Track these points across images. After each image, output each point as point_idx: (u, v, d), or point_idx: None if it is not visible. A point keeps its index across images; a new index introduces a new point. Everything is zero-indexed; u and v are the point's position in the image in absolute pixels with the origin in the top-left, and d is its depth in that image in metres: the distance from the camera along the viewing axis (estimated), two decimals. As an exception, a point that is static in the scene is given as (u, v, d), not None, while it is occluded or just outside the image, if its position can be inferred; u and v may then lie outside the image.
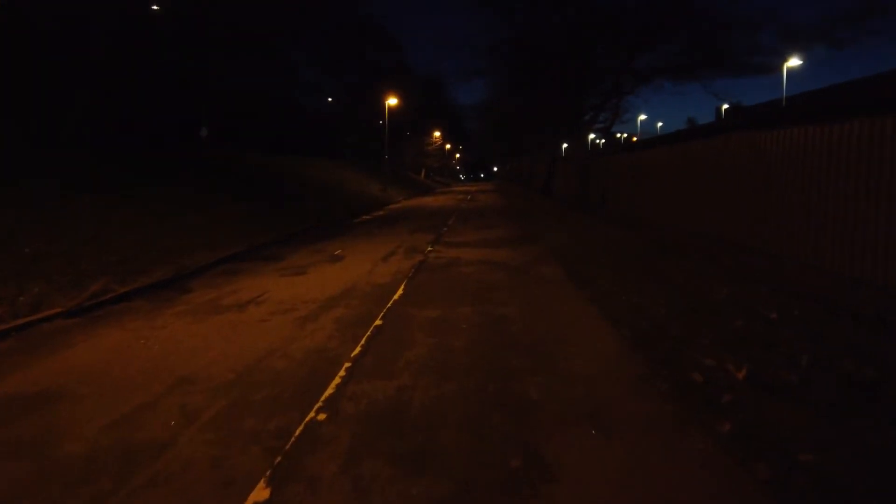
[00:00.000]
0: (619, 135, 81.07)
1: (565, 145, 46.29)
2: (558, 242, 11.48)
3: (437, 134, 59.89)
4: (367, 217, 21.09)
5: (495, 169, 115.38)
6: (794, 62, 26.54)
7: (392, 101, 33.38)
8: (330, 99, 49.71)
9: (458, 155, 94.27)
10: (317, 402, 3.75)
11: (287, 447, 3.15)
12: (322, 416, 3.53)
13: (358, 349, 4.85)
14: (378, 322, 5.72)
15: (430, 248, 11.29)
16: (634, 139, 67.63)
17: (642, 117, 59.77)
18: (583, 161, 19.47)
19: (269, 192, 21.27)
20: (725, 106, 58.66)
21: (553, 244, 11.25)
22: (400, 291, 7.21)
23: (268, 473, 2.87)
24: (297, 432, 3.32)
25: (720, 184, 10.17)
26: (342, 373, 4.28)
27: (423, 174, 63.77)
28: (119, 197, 12.20)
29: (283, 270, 9.24)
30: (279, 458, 3.02)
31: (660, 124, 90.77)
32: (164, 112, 26.32)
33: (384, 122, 34.29)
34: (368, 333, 5.32)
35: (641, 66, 18.16)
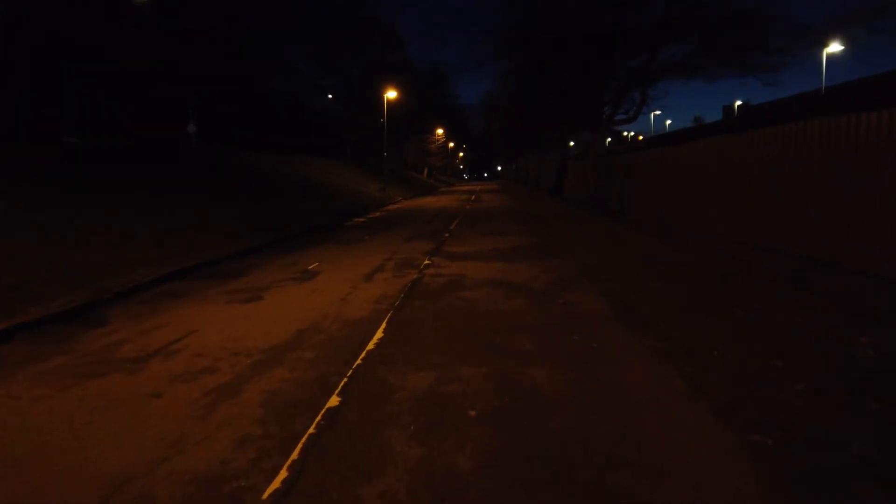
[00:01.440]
0: (626, 133, 78.32)
1: (571, 143, 44.11)
2: (586, 256, 9.29)
3: (439, 131, 57.72)
4: (361, 220, 18.97)
5: (499, 168, 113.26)
6: (834, 48, 24.16)
7: (391, 95, 31.22)
8: (330, 96, 47.75)
9: (461, 154, 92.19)
10: None
11: None
12: None
13: (279, 478, 2.68)
14: (333, 402, 3.56)
15: (427, 262, 9.13)
16: (640, 138, 65.10)
17: (656, 113, 57.50)
18: (602, 159, 17.26)
19: (256, 192, 19.23)
20: (739, 102, 56.82)
21: (580, 258, 9.06)
22: (378, 334, 5.05)
23: None
24: None
25: (797, 183, 7.97)
26: (228, 558, 2.12)
27: (425, 173, 61.63)
28: (42, 200, 10.11)
29: (234, 294, 7.10)
30: None
31: (668, 122, 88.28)
32: (147, 106, 24.31)
33: (384, 119, 32.16)
34: (311, 431, 3.16)
35: (667, 57, 15.93)
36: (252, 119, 32.16)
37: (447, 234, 13.21)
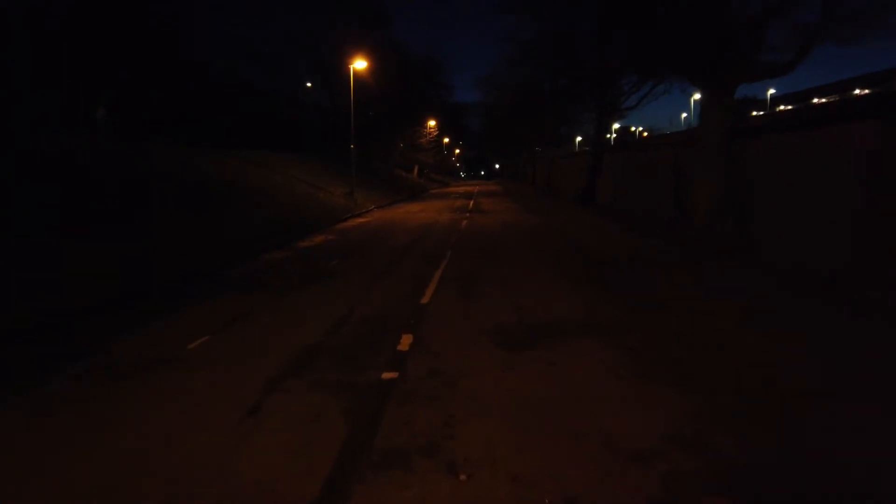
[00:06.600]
0: (633, 128, 69.74)
1: (578, 138, 36.14)
2: None
3: (431, 123, 49.31)
4: (280, 256, 10.77)
5: (497, 167, 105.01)
6: None
7: (360, 65, 22.86)
8: (309, 84, 39.55)
9: (457, 150, 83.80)
10: None
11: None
12: None
13: None
14: None
15: None
16: (645, 134, 56.82)
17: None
18: (724, 146, 9.08)
19: (149, 205, 11.09)
20: (771, 91, 49.26)
21: None
22: None
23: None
24: None
25: None
26: None
27: (415, 171, 53.32)
28: None
29: None
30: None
31: (684, 115, 79.99)
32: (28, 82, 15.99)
33: (352, 98, 23.79)
34: None
35: None
36: (209, 111, 23.76)
37: (410, 342, 4.98)
